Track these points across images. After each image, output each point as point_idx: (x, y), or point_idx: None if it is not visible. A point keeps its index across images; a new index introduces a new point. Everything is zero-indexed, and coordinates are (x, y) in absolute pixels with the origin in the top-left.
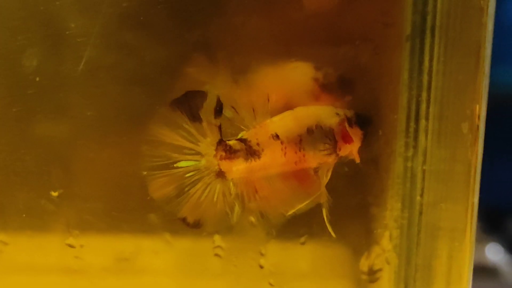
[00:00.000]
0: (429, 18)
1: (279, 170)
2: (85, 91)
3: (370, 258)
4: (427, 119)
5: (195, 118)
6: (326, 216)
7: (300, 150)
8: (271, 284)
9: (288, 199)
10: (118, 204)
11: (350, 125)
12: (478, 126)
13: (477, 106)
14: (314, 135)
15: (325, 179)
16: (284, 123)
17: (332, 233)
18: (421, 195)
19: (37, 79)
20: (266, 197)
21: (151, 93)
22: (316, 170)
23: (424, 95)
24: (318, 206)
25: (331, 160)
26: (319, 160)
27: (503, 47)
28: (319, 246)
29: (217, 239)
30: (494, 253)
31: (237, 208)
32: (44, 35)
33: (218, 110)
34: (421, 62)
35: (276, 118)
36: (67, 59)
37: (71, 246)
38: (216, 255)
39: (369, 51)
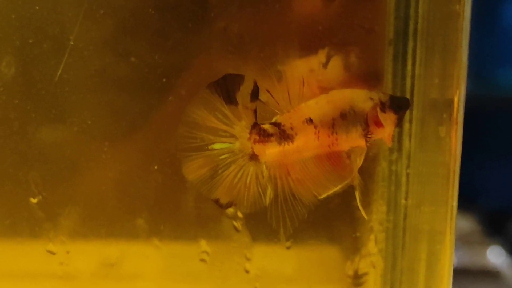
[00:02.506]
0: (411, 23)
1: (312, 153)
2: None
3: (355, 262)
4: (410, 122)
5: (231, 101)
6: (359, 199)
7: (333, 134)
8: None
9: (321, 181)
10: (104, 210)
11: (383, 109)
12: (455, 129)
13: (455, 110)
14: (347, 119)
15: (358, 162)
16: (318, 106)
17: (365, 215)
18: (406, 198)
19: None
20: (299, 179)
21: (142, 98)
22: (349, 154)
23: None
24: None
25: (364, 143)
26: (351, 143)
27: (502, 50)
28: (304, 251)
29: (203, 244)
30: (495, 256)
31: (269, 190)
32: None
33: (254, 94)
34: (404, 66)
35: (310, 102)
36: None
37: (51, 253)
38: (202, 260)
39: (352, 55)
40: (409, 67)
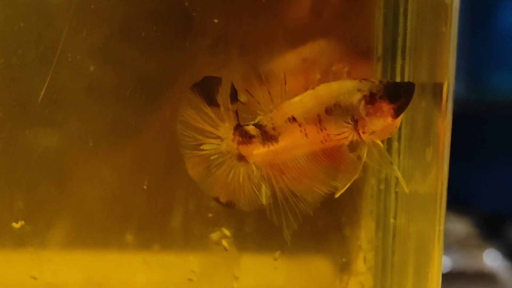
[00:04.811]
0: (399, 39)
1: (306, 150)
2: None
3: (344, 281)
4: (399, 140)
5: (212, 102)
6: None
7: (322, 130)
8: None
9: (321, 178)
10: (94, 224)
11: (372, 101)
12: (442, 151)
13: (442, 131)
14: (334, 114)
15: (362, 156)
16: (302, 104)
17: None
18: (395, 217)
19: None
20: (295, 177)
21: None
22: (352, 148)
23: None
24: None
25: (362, 137)
26: (347, 137)
27: (497, 54)
28: (293, 269)
29: (191, 262)
30: (492, 259)
31: (264, 189)
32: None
33: (233, 96)
34: None
35: (294, 100)
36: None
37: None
38: (190, 279)
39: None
40: None
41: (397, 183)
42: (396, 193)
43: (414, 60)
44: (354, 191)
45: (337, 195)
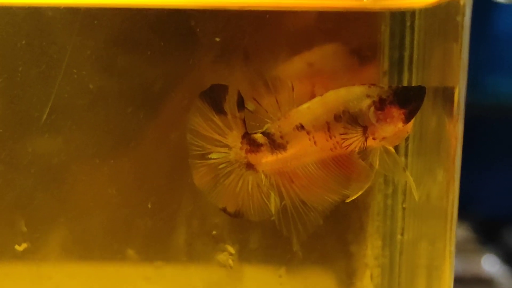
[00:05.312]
0: (406, 54)
1: (315, 158)
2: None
3: None
4: (406, 156)
5: (220, 111)
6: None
7: (331, 138)
8: None
9: (331, 186)
10: (95, 240)
11: (381, 107)
12: (453, 170)
13: (452, 151)
14: (342, 121)
15: (374, 163)
16: (311, 111)
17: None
18: (402, 234)
19: None
20: (305, 186)
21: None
22: (364, 156)
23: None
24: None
25: (373, 143)
26: (358, 144)
27: (494, 57)
28: (299, 286)
29: (194, 279)
30: (490, 264)
31: (273, 198)
32: None
33: (240, 104)
34: None
35: (302, 107)
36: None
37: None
38: None
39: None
40: None
41: (404, 199)
42: (404, 208)
43: (421, 75)
44: (361, 208)
45: (347, 201)
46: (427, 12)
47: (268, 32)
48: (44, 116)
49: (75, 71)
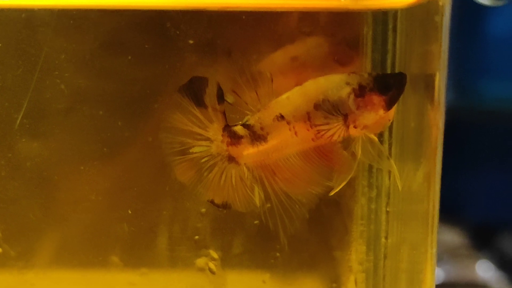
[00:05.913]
0: (389, 56)
1: (296, 150)
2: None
3: None
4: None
5: (200, 104)
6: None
7: (312, 127)
8: None
9: (314, 178)
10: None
11: (361, 94)
12: (434, 170)
13: (433, 153)
14: (322, 110)
15: (357, 152)
16: (290, 101)
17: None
18: (386, 237)
19: None
20: (287, 178)
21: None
22: (344, 145)
23: (385, 134)
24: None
25: (355, 132)
26: (340, 134)
27: (485, 61)
28: None
29: (178, 285)
30: (484, 270)
31: (257, 191)
32: None
33: (220, 96)
34: None
35: (282, 98)
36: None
37: None
38: None
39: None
40: None
41: (388, 202)
42: (387, 212)
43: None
44: (344, 212)
45: (331, 194)
46: (408, 12)
47: (250, 32)
48: (18, 121)
49: (57, 73)
